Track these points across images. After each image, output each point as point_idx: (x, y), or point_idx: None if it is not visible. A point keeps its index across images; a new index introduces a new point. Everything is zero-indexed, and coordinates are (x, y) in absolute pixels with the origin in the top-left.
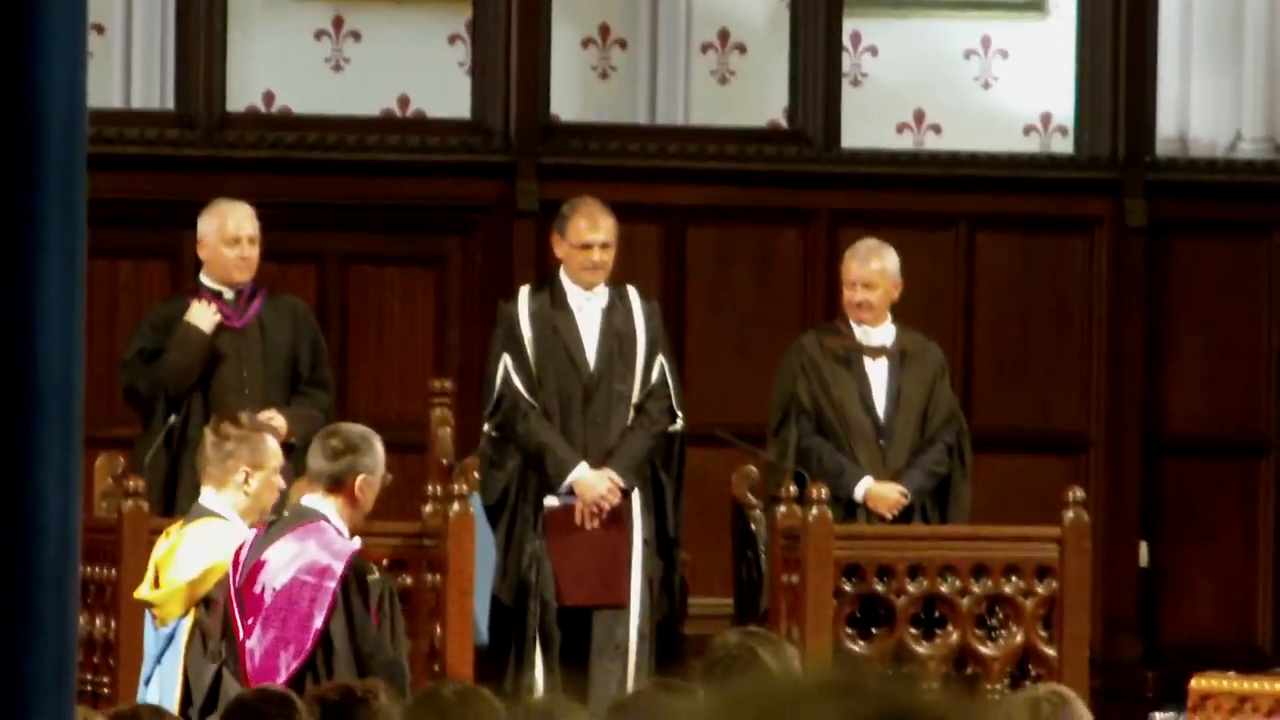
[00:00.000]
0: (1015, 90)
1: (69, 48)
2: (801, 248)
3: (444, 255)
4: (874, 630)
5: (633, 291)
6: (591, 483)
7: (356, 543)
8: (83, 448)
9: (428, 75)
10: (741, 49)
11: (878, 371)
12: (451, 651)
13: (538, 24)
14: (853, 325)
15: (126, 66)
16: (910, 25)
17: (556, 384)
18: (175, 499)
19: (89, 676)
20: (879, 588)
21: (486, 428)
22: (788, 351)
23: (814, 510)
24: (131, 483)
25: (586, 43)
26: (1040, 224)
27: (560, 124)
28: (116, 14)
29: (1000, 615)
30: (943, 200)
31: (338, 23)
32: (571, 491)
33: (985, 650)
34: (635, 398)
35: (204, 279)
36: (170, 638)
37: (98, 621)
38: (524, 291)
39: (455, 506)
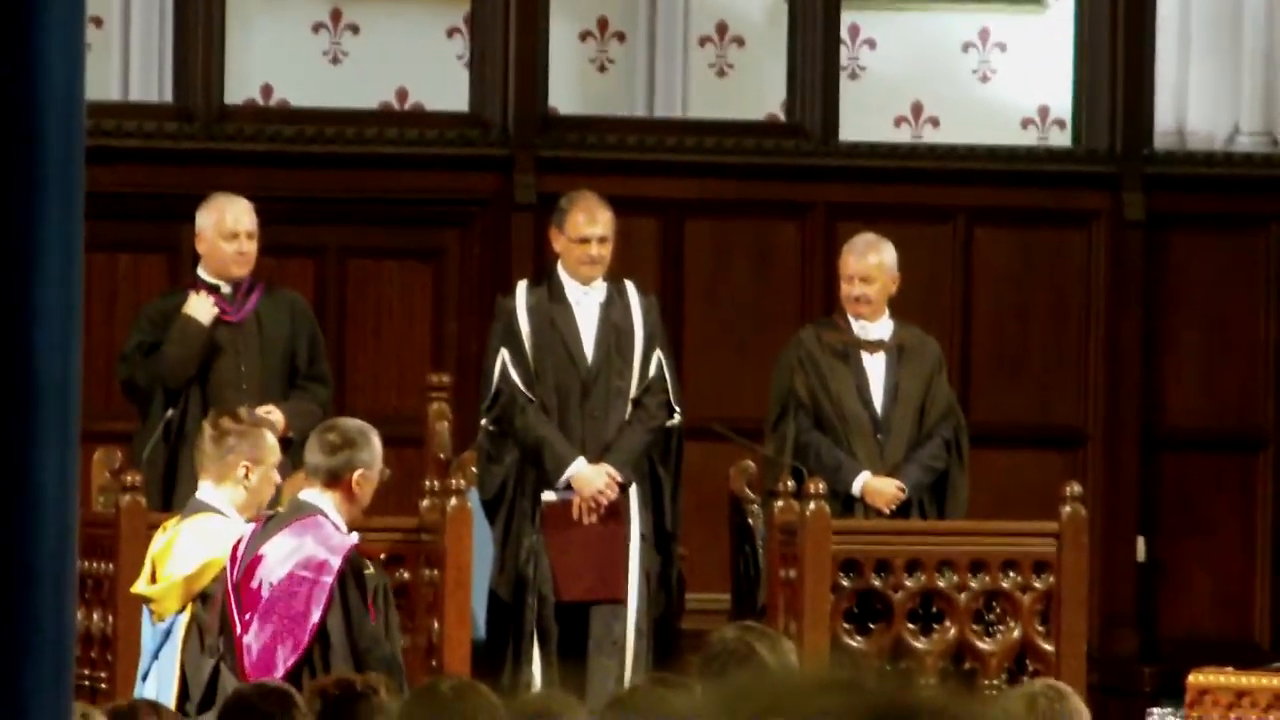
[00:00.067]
0: (1013, 83)
1: (68, 45)
2: (799, 241)
3: (442, 249)
4: (871, 625)
5: (630, 286)
6: (589, 478)
7: (354, 538)
8: (80, 442)
9: (426, 68)
10: (739, 42)
11: (875, 366)
12: (449, 647)
13: (536, 17)
14: (850, 320)
15: (124, 59)
16: (908, 18)
17: (554, 378)
18: (174, 493)
19: (87, 671)
20: (876, 583)
21: (484, 422)
22: (785, 346)
23: (811, 505)
24: (129, 477)
25: (585, 36)
26: (1038, 218)
27: (558, 117)
28: (114, 7)
29: (998, 610)
30: (940, 193)
31: (336, 15)
32: (569, 487)
33: (983, 645)
34: (633, 392)
35: (202, 273)
36: (167, 633)
37: (95, 616)
38: (522, 286)
39: (453, 501)
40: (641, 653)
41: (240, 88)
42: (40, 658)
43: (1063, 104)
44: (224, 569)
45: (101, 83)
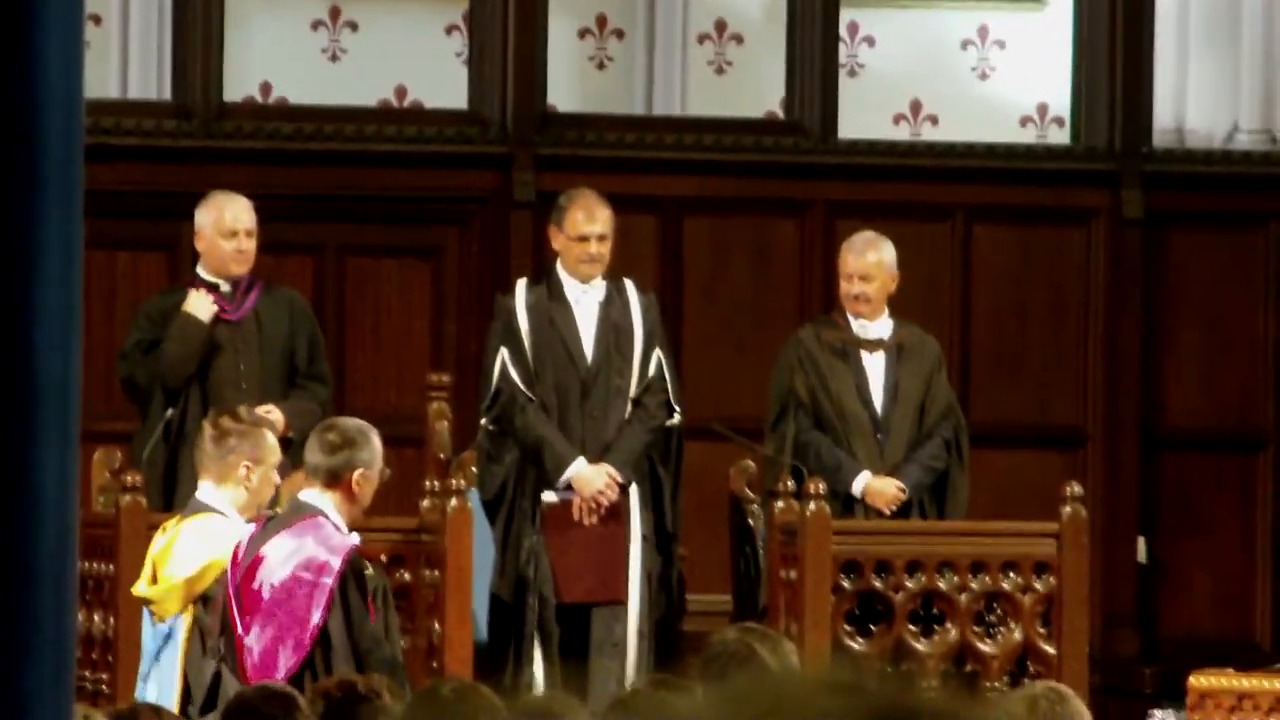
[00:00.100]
0: (1012, 81)
1: (66, 43)
2: (798, 239)
3: (441, 246)
4: (872, 627)
5: (630, 284)
6: (589, 478)
7: (354, 538)
8: (80, 442)
9: (425, 66)
10: (738, 40)
11: (875, 365)
12: (450, 648)
13: (534, 14)
14: (849, 318)
15: (123, 57)
16: (907, 15)
17: (554, 378)
18: (174, 494)
19: (87, 673)
20: (877, 584)
21: (484, 422)
22: (785, 345)
23: (812, 505)
24: (129, 477)
25: (583, 33)
26: (1037, 215)
27: (557, 114)
28: (113, 5)
29: (999, 612)
30: (939, 191)
31: (334, 13)
32: (569, 487)
33: (984, 647)
34: (633, 391)
35: (201, 271)
36: (168, 635)
37: (96, 618)
38: (521, 284)
39: (453, 501)
40: (642, 654)
41: (239, 85)
42: (41, 659)
43: (1062, 102)
44: (225, 570)
45: (100, 81)
